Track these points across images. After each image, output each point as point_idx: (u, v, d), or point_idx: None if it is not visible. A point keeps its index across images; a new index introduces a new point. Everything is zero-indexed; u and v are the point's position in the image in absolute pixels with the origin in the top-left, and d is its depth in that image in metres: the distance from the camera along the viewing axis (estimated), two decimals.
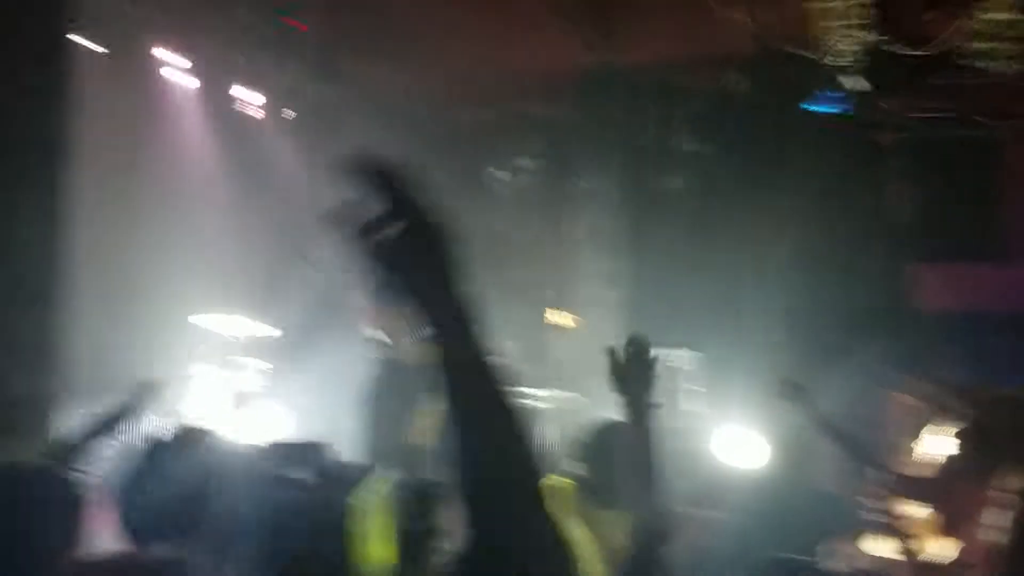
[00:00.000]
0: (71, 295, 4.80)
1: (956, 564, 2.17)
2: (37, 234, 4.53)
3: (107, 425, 2.83)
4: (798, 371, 7.82)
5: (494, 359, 1.13)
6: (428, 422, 4.28)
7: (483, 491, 1.11)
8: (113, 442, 2.76)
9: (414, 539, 2.00)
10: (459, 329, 1.11)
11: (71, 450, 2.68)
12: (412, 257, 1.10)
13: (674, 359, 7.39)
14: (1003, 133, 8.63)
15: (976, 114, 8.18)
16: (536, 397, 7.29)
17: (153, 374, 3.02)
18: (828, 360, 8.11)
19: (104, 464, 2.34)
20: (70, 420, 3.04)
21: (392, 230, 1.10)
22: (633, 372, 2.38)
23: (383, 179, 1.10)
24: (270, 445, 2.36)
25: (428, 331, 1.11)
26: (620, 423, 2.95)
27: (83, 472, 2.36)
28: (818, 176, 9.03)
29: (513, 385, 1.15)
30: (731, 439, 6.47)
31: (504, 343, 4.48)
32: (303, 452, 2.41)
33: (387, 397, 4.85)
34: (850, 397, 6.91)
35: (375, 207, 1.09)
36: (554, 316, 8.31)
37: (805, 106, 8.98)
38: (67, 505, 1.95)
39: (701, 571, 4.66)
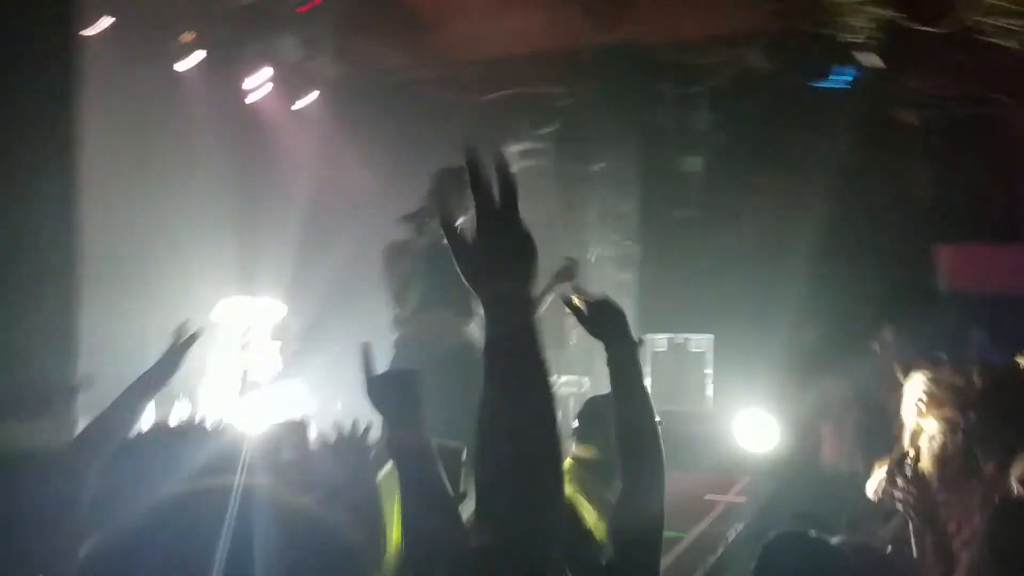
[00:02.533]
0: (90, 285, 4.81)
1: (963, 542, 2.15)
2: (54, 225, 4.53)
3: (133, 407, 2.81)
4: (819, 354, 7.80)
5: (544, 350, 1.22)
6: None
7: (511, 477, 1.16)
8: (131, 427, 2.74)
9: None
10: (525, 317, 1.22)
11: (88, 439, 2.68)
12: (499, 249, 1.21)
13: (693, 344, 7.37)
14: (1019, 111, 8.50)
15: (992, 91, 8.07)
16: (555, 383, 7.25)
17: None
18: (850, 342, 8.06)
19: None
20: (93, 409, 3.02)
21: (485, 223, 1.21)
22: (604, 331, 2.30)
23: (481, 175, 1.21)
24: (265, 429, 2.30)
25: (498, 314, 1.21)
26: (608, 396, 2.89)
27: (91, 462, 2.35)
28: (836, 155, 8.94)
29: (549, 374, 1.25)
30: (751, 423, 6.46)
31: None
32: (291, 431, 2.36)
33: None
34: (871, 378, 6.86)
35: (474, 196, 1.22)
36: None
37: (822, 84, 8.89)
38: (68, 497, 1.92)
39: (725, 554, 4.65)
